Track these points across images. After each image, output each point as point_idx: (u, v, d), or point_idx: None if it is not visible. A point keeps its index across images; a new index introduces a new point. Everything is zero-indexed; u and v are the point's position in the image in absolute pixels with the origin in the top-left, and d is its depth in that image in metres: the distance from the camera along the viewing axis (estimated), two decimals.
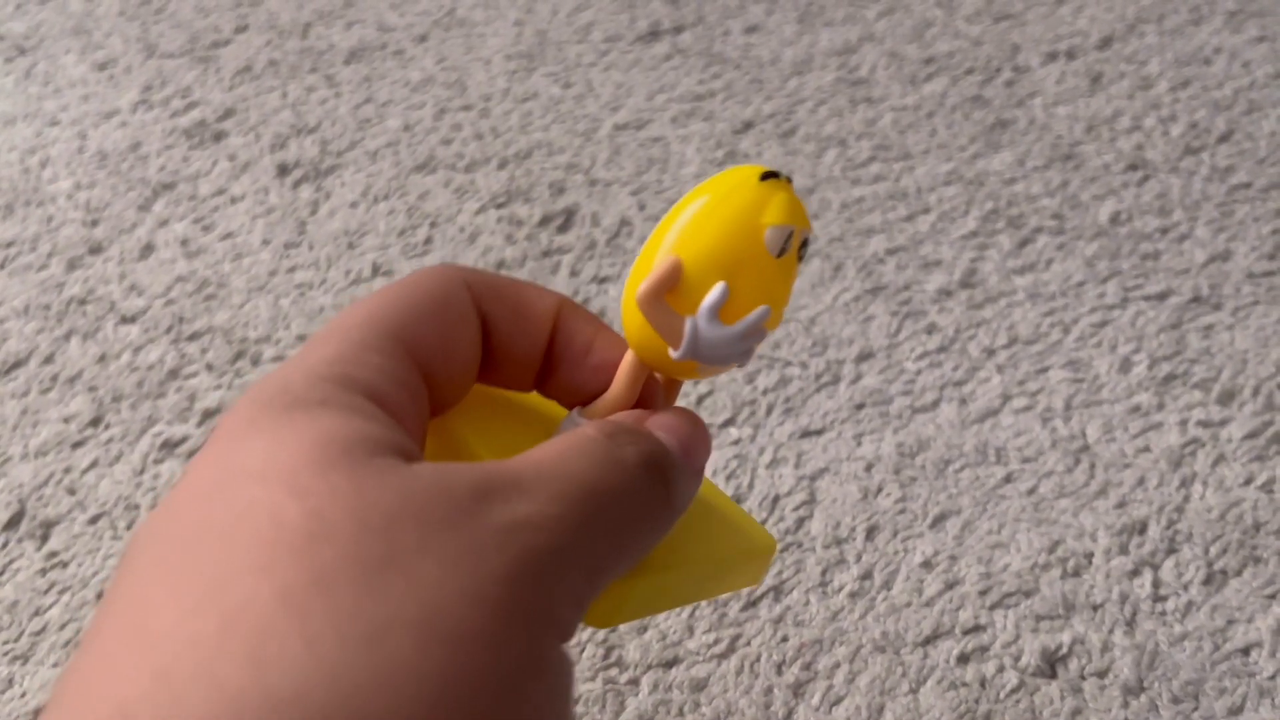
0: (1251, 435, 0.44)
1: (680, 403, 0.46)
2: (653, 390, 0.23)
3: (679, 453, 0.21)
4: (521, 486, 0.18)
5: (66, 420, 0.46)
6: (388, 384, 0.19)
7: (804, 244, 0.22)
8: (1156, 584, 0.39)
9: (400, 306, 0.21)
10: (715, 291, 0.20)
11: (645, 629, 0.38)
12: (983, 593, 0.38)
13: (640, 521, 0.19)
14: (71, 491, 0.43)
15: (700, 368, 0.21)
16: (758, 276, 0.21)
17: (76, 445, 0.45)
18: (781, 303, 0.22)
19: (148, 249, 0.55)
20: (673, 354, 0.21)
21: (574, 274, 0.52)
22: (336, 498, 0.16)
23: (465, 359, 0.22)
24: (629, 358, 0.22)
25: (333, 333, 0.20)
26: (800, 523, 0.41)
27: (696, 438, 0.21)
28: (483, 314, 0.22)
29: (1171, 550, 0.40)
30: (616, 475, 0.19)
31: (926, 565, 0.39)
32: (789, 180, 0.22)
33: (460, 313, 0.21)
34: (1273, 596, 0.38)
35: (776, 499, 0.42)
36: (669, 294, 0.21)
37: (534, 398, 0.24)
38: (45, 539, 0.41)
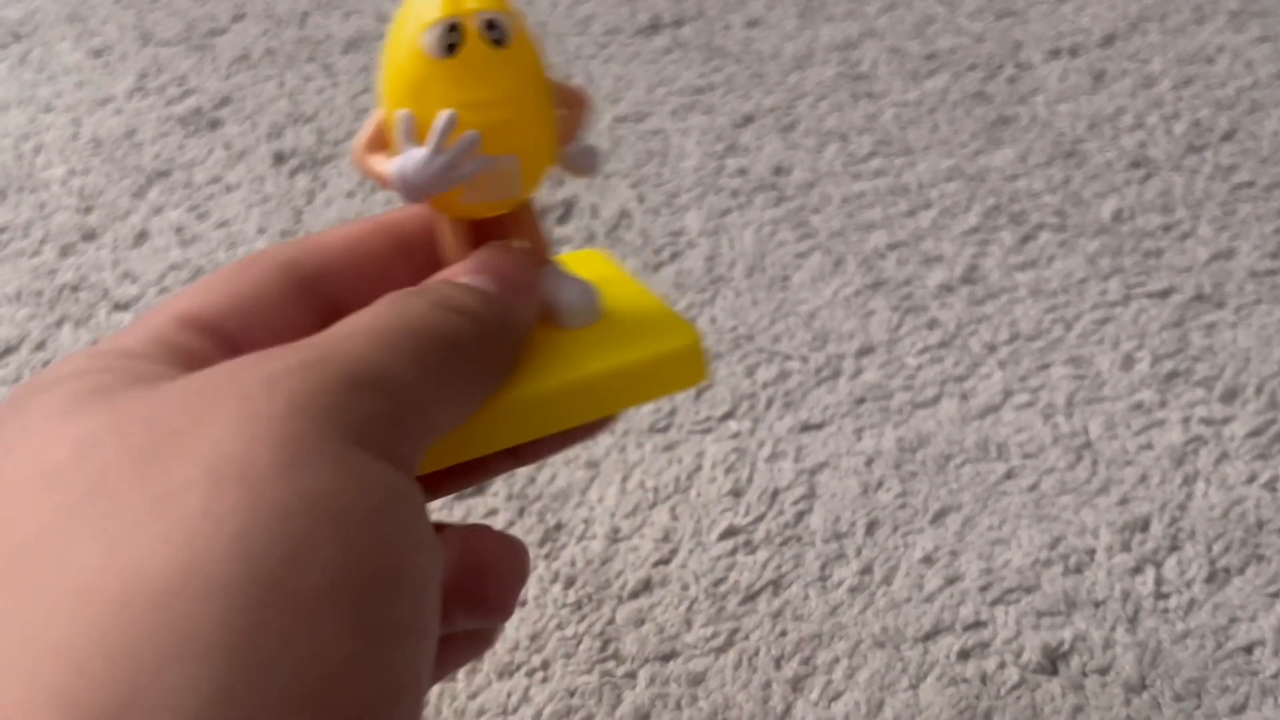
0: (1254, 433, 0.43)
1: (680, 396, 0.45)
2: (495, 243, 0.22)
3: (496, 287, 0.20)
4: (303, 343, 0.17)
5: None
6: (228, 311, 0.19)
7: (490, 26, 0.19)
8: (1159, 581, 0.38)
9: (212, 291, 0.20)
10: (399, 122, 0.19)
11: (643, 622, 0.37)
12: (983, 589, 0.38)
13: (439, 340, 0.18)
14: None
15: (469, 196, 0.20)
16: (439, 87, 0.19)
17: None
18: (485, 100, 0.19)
19: (142, 236, 0.54)
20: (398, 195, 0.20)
21: None
22: (98, 421, 0.16)
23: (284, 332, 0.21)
24: (435, 223, 0.21)
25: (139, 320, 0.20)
26: (800, 517, 0.40)
27: (507, 264, 0.20)
28: (327, 293, 0.21)
29: (1174, 548, 0.39)
30: (401, 312, 0.18)
31: (927, 561, 0.39)
32: None
33: (271, 288, 0.20)
34: (1276, 595, 0.38)
35: (776, 493, 0.41)
36: (386, 149, 0.20)
37: None
38: None
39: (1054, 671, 0.36)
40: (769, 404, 0.45)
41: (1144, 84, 0.65)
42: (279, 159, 0.59)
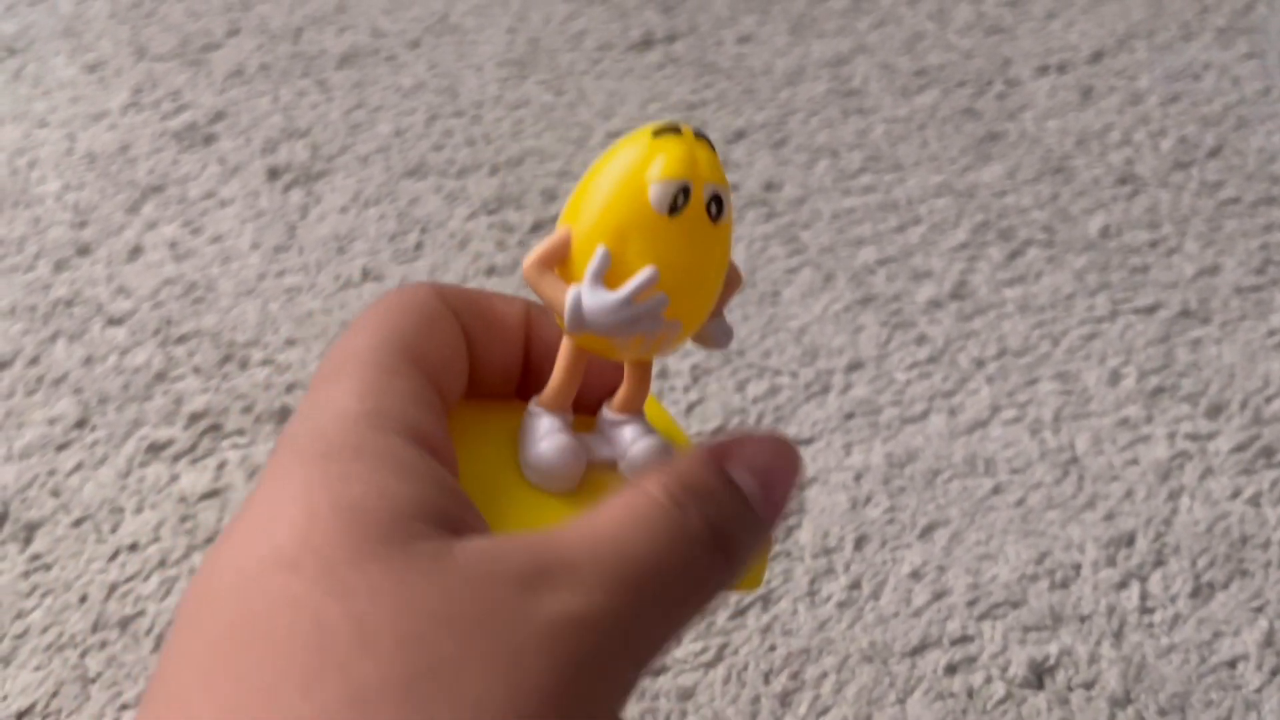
0: (1239, 449, 0.44)
1: (671, 411, 0.45)
2: (599, 373, 0.22)
3: (760, 497, 0.19)
4: (574, 569, 0.17)
5: (52, 422, 0.45)
6: (418, 410, 0.19)
7: (715, 200, 0.19)
8: (1144, 596, 0.39)
9: (400, 325, 0.20)
10: (595, 257, 0.19)
11: None
12: (971, 603, 0.38)
13: (698, 597, 0.18)
14: (56, 494, 0.42)
15: (622, 343, 0.20)
16: (649, 239, 0.19)
17: (61, 447, 0.44)
18: (685, 265, 0.19)
19: (136, 251, 0.54)
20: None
21: None
22: (377, 599, 0.16)
23: (460, 371, 0.21)
24: (564, 342, 0.21)
25: (348, 361, 0.19)
26: (789, 532, 0.41)
27: (783, 471, 0.19)
28: (461, 326, 0.21)
29: (1159, 563, 0.40)
30: (680, 552, 0.17)
31: (915, 575, 0.39)
32: (699, 134, 0.20)
33: (448, 325, 0.21)
34: (1259, 609, 0.38)
35: None
36: (561, 267, 0.20)
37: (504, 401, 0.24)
38: (29, 541, 0.41)
39: (1040, 686, 0.36)
40: (759, 419, 0.45)
41: (1131, 100, 0.65)
42: (273, 174, 0.60)
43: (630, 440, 0.21)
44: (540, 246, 0.20)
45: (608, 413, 0.22)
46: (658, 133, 0.19)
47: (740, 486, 0.19)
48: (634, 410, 0.22)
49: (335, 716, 0.14)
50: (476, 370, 0.22)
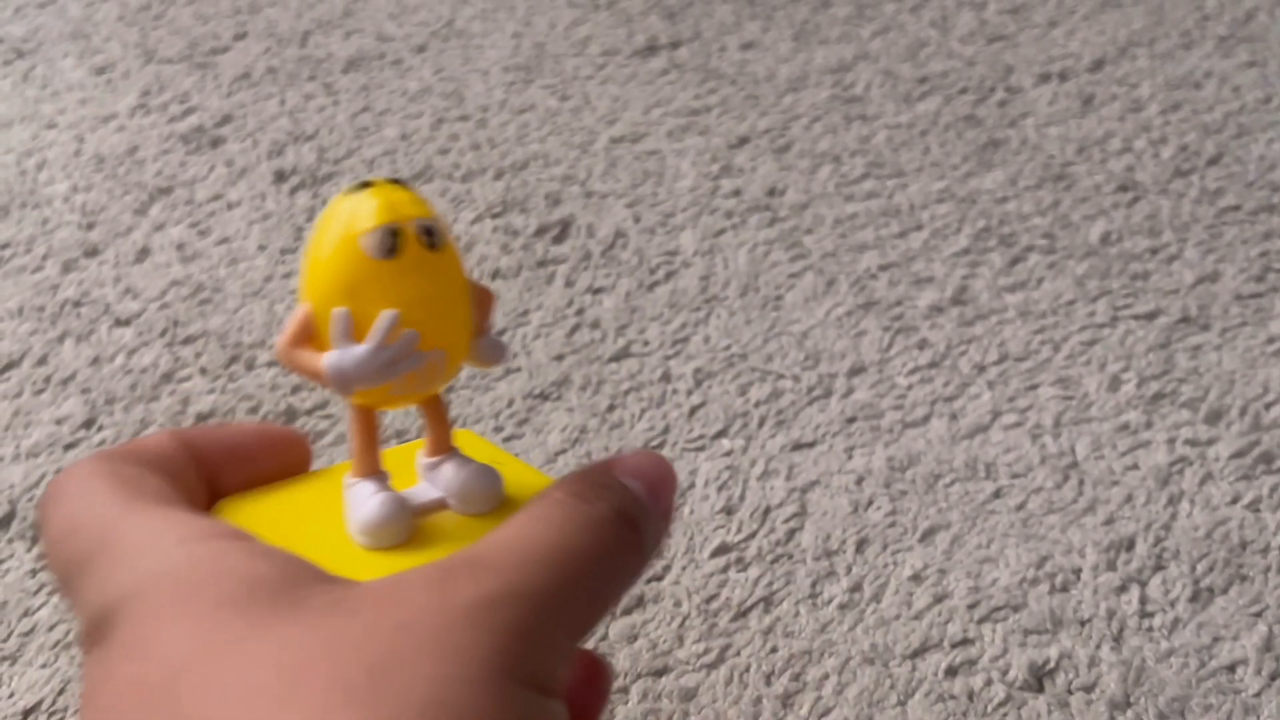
0: (1238, 454, 0.44)
1: (673, 414, 0.46)
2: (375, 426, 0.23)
3: (647, 497, 0.21)
4: (482, 561, 0.18)
5: (59, 422, 0.46)
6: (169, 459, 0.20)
7: (426, 231, 0.20)
8: (1143, 600, 0.39)
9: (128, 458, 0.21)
10: (336, 320, 0.20)
11: (635, 638, 0.38)
12: (971, 606, 0.39)
13: (615, 574, 0.19)
14: None
15: (397, 387, 0.21)
16: (378, 286, 0.20)
17: (69, 447, 0.45)
18: (422, 298, 0.20)
19: (143, 253, 0.55)
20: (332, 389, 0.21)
21: (569, 284, 0.53)
22: (296, 648, 0.16)
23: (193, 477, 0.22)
24: (349, 410, 0.22)
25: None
26: (791, 534, 0.41)
27: (662, 478, 0.21)
28: (201, 459, 0.22)
29: (1159, 567, 0.40)
30: (587, 535, 0.19)
31: (916, 579, 0.40)
32: (390, 180, 0.21)
33: (166, 440, 0.22)
34: (1258, 614, 0.39)
35: (768, 511, 0.42)
36: (313, 342, 0.20)
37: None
38: (36, 540, 0.41)
39: (1040, 689, 0.36)
40: (761, 423, 0.46)
41: (1132, 108, 0.66)
42: (280, 177, 0.60)
43: (451, 476, 0.22)
44: (286, 330, 0.21)
45: (422, 459, 0.22)
46: (349, 192, 0.20)
47: (630, 488, 0.20)
48: (444, 450, 0.22)
49: None
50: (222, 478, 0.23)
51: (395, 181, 0.21)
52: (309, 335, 0.21)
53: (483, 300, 0.22)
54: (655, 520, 0.21)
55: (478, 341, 0.22)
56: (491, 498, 0.22)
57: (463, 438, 0.24)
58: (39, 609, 0.39)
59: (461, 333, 0.21)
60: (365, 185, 0.21)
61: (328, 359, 0.20)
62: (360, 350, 0.20)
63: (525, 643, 0.17)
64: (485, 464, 0.22)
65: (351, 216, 0.20)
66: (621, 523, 0.20)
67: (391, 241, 0.20)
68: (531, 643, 0.17)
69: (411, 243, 0.20)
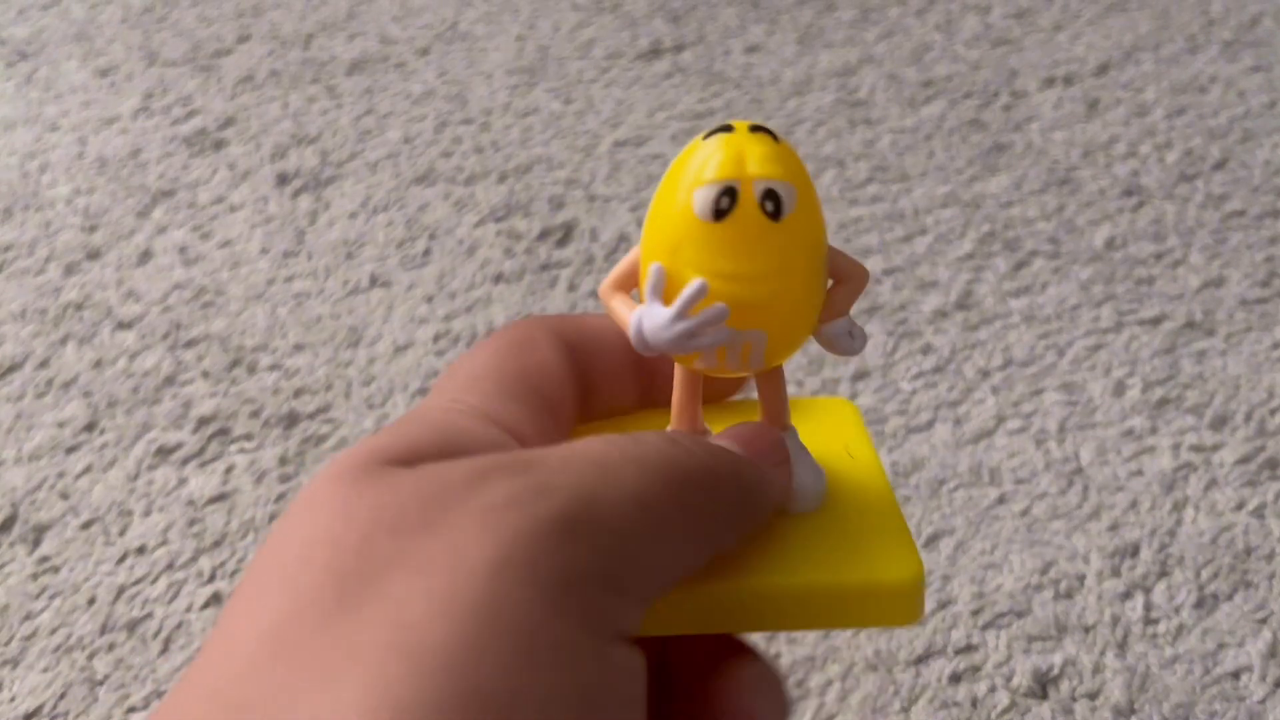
0: (1243, 460, 0.44)
1: None
2: (718, 391, 0.22)
3: (739, 447, 0.19)
4: (532, 462, 0.15)
5: (61, 425, 0.46)
6: (522, 416, 0.19)
7: (770, 196, 0.18)
8: (1148, 607, 0.39)
9: (515, 357, 0.20)
10: (650, 275, 0.18)
11: None
12: (975, 612, 0.38)
13: (684, 492, 0.16)
14: (64, 496, 0.43)
15: (706, 358, 0.19)
16: (698, 248, 0.18)
17: (70, 450, 0.44)
18: (745, 272, 0.18)
19: (146, 255, 0.55)
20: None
21: (572, 288, 0.53)
22: (322, 513, 0.15)
23: (572, 406, 0.21)
24: (675, 365, 0.20)
25: (471, 381, 0.19)
26: None
27: (760, 436, 0.19)
28: (572, 350, 0.21)
29: (1163, 573, 0.40)
30: (665, 453, 0.17)
31: None
32: (756, 127, 0.18)
33: (559, 359, 0.21)
34: (1263, 621, 0.38)
35: None
36: (632, 289, 0.19)
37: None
38: (37, 543, 0.41)
39: (1044, 696, 0.36)
40: None
41: (1137, 113, 0.66)
42: (282, 180, 0.60)
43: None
44: (613, 270, 0.19)
45: None
46: (708, 135, 0.18)
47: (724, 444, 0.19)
48: (780, 429, 0.20)
49: (275, 632, 0.14)
50: (592, 395, 0.22)
51: (760, 129, 0.18)
52: (630, 282, 0.19)
53: (845, 276, 0.19)
54: (747, 466, 0.18)
55: (827, 326, 0.19)
56: (802, 497, 0.20)
57: (833, 409, 0.21)
58: (41, 613, 0.39)
59: (793, 315, 0.19)
60: (725, 129, 0.18)
61: (634, 315, 0.18)
62: (661, 314, 0.18)
63: (545, 547, 0.14)
64: (811, 459, 0.20)
65: (698, 165, 0.18)
66: (707, 452, 0.17)
67: (723, 202, 0.18)
68: (555, 548, 0.14)
69: (748, 206, 0.18)
